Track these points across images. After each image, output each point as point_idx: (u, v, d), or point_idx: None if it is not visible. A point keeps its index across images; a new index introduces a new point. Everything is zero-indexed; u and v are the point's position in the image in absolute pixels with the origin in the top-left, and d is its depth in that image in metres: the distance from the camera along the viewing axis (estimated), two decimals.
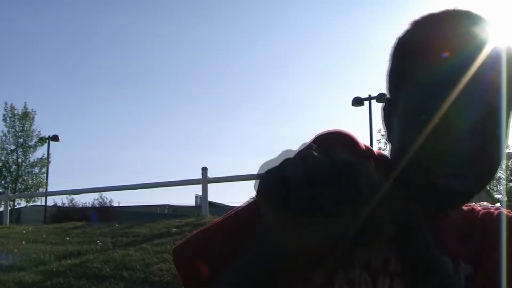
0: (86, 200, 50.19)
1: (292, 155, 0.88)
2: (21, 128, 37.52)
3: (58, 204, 45.70)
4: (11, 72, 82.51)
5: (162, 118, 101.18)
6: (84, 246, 11.18)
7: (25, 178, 37.29)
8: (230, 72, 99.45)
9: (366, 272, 1.09)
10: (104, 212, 39.65)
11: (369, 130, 33.51)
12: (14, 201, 34.60)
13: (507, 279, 1.13)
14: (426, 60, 1.09)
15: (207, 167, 13.84)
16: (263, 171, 0.85)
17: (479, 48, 1.06)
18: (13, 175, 36.78)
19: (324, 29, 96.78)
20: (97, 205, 44.13)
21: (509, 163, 43.82)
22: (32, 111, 38.20)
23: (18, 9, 78.35)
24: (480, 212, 1.26)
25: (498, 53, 1.07)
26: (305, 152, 0.86)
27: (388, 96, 1.21)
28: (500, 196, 36.10)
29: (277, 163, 0.86)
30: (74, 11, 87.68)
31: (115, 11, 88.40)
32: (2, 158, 37.11)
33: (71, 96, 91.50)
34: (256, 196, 0.85)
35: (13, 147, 37.33)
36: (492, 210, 1.27)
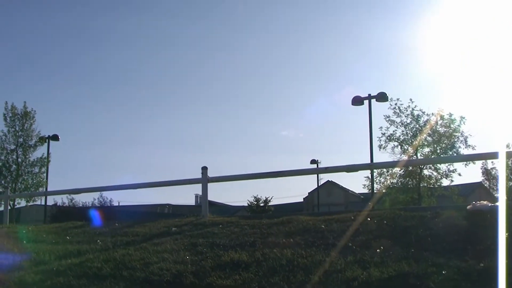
0: (86, 199, 50.17)
1: None
2: (21, 128, 37.44)
3: (58, 204, 45.79)
4: (12, 71, 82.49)
5: (163, 118, 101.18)
6: (84, 245, 11.19)
7: (25, 177, 37.22)
8: (230, 72, 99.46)
9: None
10: (104, 212, 39.51)
11: (369, 129, 33.51)
12: (14, 200, 34.58)
13: None
14: None
15: (207, 166, 13.84)
16: None
17: None
18: (13, 175, 36.69)
19: (325, 29, 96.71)
20: (97, 205, 44.16)
21: (508, 162, 43.65)
22: (32, 110, 38.16)
23: (18, 9, 78.31)
24: None
25: None
26: None
27: None
28: (499, 195, 36.04)
29: None
30: (77, 12, 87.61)
31: (121, 13, 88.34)
32: (2, 157, 37.03)
33: (71, 95, 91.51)
34: None
35: (13, 147, 37.26)
36: None
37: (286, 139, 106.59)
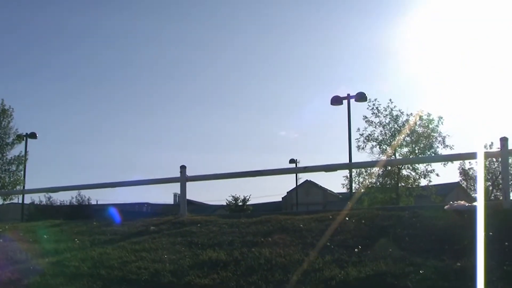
0: (64, 198, 49.82)
1: None
2: None
3: (35, 202, 45.37)
4: None
5: (142, 116, 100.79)
6: (62, 244, 11.11)
7: (2, 175, 36.94)
8: (210, 70, 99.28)
9: None
10: (82, 210, 39.24)
11: (347, 129, 33.60)
12: None
13: None
14: None
15: (186, 165, 13.78)
16: None
17: None
18: None
19: (306, 28, 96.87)
20: (75, 203, 43.84)
21: (486, 163, 43.96)
22: (10, 108, 37.91)
23: None
24: None
25: None
26: None
27: None
28: (477, 194, 36.33)
29: None
30: (57, 10, 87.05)
31: (102, 11, 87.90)
32: None
33: (50, 93, 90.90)
34: None
35: None
36: None
37: (265, 137, 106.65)
